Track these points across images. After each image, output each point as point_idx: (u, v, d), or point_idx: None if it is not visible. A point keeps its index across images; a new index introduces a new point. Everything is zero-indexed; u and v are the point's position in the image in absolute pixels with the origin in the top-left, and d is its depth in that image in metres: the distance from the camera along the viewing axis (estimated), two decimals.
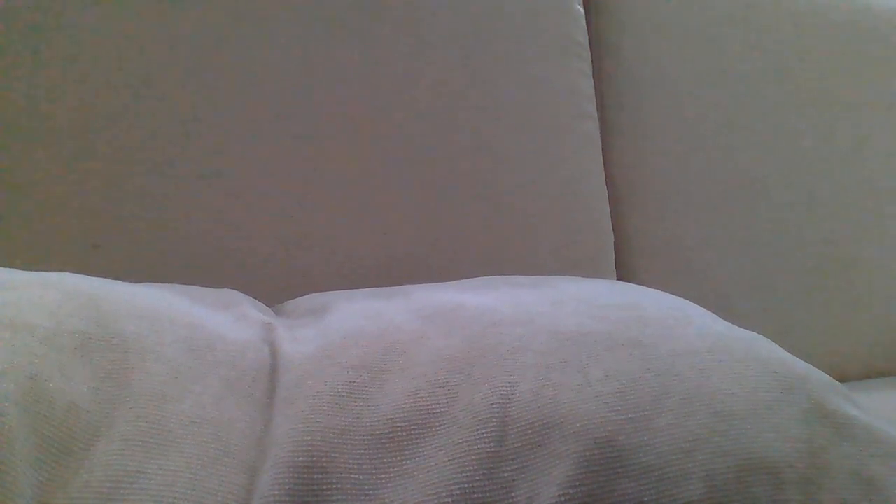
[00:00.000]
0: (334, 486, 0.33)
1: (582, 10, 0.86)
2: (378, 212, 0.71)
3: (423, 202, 0.73)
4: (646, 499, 0.33)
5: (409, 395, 0.37)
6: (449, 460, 0.34)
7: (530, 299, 0.46)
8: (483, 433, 0.35)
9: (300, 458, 0.34)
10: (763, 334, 0.73)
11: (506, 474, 0.34)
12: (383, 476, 0.34)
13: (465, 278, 0.68)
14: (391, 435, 0.35)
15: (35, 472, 0.30)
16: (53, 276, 0.42)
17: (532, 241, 0.77)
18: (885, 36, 1.03)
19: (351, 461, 0.34)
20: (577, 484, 0.33)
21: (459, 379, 0.38)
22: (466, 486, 0.33)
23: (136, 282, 0.50)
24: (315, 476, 0.33)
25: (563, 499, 0.33)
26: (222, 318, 0.45)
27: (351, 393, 0.37)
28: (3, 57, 0.61)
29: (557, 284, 0.51)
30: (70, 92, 0.63)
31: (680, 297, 0.55)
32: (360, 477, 0.34)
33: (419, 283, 0.67)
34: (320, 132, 0.70)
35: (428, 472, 0.34)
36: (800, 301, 0.90)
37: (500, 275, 0.73)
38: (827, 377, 0.41)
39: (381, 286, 0.66)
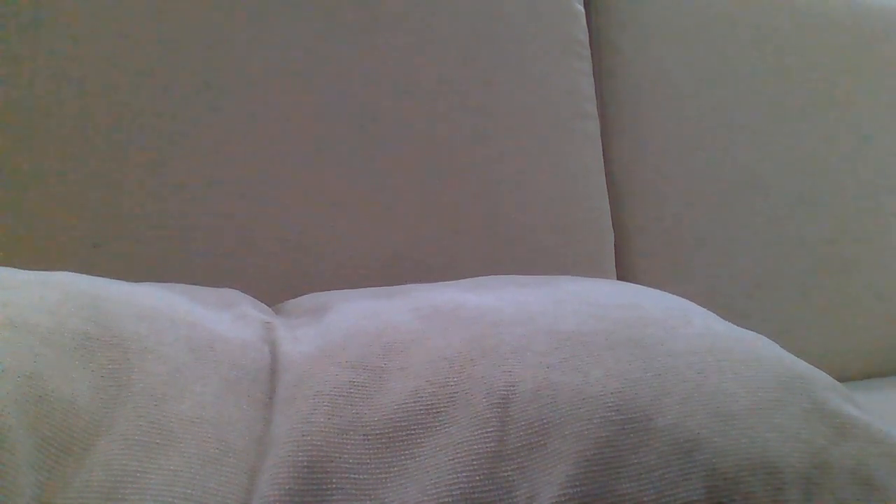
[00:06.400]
0: (334, 486, 0.33)
1: (582, 9, 0.86)
2: (378, 212, 0.71)
3: (423, 202, 0.73)
4: (646, 499, 0.33)
5: (409, 395, 0.37)
6: (449, 460, 0.34)
7: (530, 299, 0.46)
8: (483, 433, 0.35)
9: (300, 458, 0.34)
10: (763, 334, 0.73)
11: (506, 474, 0.34)
12: (383, 476, 0.34)
13: (465, 278, 0.68)
14: (391, 435, 0.35)
15: (35, 471, 0.30)
16: (54, 276, 0.42)
17: (532, 240, 0.77)
18: (885, 36, 1.03)
19: (351, 461, 0.34)
20: (578, 484, 0.33)
21: (460, 379, 0.38)
22: (467, 485, 0.33)
23: (136, 281, 0.50)
24: (315, 476, 0.33)
25: (563, 498, 0.33)
26: (222, 318, 0.45)
27: (351, 392, 0.37)
28: (3, 56, 0.61)
29: (558, 284, 0.51)
30: (70, 92, 0.62)
31: (680, 297, 0.55)
32: (361, 477, 0.34)
33: (419, 283, 0.67)
34: (320, 132, 0.70)
35: (428, 471, 0.34)
36: (800, 301, 0.90)
37: (500, 274, 0.73)
38: (827, 377, 0.41)
39: (380, 285, 0.66)
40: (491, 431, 0.35)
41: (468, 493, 0.33)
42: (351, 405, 0.37)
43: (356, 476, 0.34)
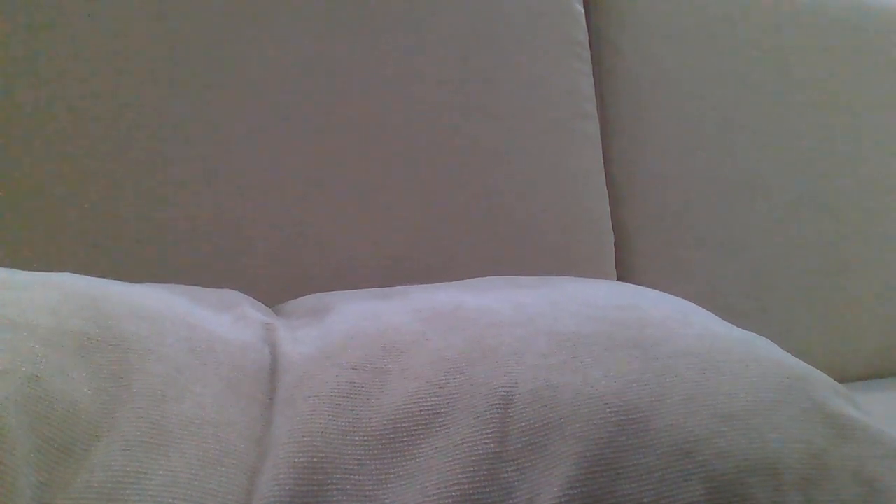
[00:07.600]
0: (334, 487, 0.33)
1: (582, 9, 0.86)
2: (378, 212, 0.71)
3: (423, 202, 0.73)
4: (645, 499, 0.33)
5: (409, 396, 0.37)
6: (449, 461, 0.34)
7: (530, 300, 0.46)
8: (483, 434, 0.35)
9: (300, 459, 0.34)
10: (763, 334, 0.73)
11: (506, 475, 0.34)
12: (384, 477, 0.34)
13: (465, 278, 0.68)
14: (392, 436, 0.35)
15: (35, 472, 0.30)
16: (54, 276, 0.42)
17: (532, 241, 0.77)
18: (885, 36, 1.03)
19: (351, 462, 0.34)
20: (578, 485, 0.33)
21: (460, 380, 0.38)
22: (467, 486, 0.33)
23: (136, 282, 0.50)
24: (315, 477, 0.33)
25: (563, 499, 0.33)
26: (223, 319, 0.45)
27: (351, 394, 0.37)
28: (3, 57, 0.61)
29: (557, 285, 0.51)
30: (70, 92, 0.62)
31: (680, 297, 0.55)
32: (361, 478, 0.34)
33: (419, 284, 0.67)
34: (320, 132, 0.70)
35: (428, 472, 0.34)
36: (800, 301, 0.90)
37: (500, 275, 0.73)
38: (827, 377, 0.41)
39: (381, 286, 0.66)
40: (491, 433, 0.35)
41: (468, 495, 0.33)
42: (351, 406, 0.37)
43: (356, 477, 0.34)
